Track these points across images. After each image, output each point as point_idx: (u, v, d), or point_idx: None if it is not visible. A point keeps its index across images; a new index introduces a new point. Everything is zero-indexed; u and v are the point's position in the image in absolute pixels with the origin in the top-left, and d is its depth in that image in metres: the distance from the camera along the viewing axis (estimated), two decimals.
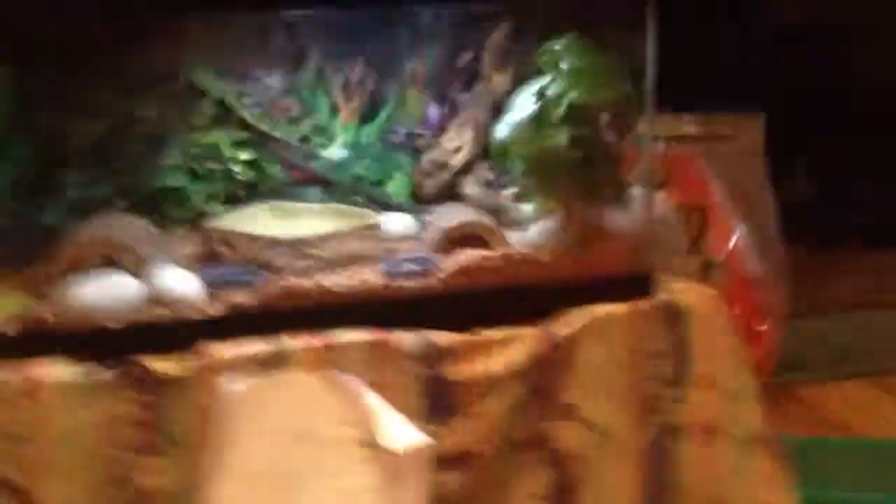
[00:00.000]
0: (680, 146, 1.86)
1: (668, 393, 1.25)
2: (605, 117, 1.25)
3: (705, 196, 1.92)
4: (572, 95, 1.22)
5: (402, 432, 1.16)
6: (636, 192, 1.29)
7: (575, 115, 1.23)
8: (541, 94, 1.24)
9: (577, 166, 1.24)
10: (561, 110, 1.22)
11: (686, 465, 1.27)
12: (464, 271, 1.24)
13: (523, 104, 1.26)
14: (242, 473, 1.14)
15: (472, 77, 1.59)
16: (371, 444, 1.17)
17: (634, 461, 1.25)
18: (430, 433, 1.18)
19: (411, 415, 1.18)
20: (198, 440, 1.13)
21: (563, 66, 1.24)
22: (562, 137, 1.23)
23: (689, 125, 1.53)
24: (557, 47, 1.27)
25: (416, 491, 1.17)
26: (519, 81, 1.45)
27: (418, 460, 1.16)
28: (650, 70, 1.21)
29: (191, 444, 1.13)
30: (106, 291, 1.17)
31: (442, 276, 1.24)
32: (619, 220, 1.29)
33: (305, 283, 1.22)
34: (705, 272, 1.87)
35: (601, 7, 1.28)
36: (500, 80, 1.55)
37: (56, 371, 1.10)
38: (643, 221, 1.28)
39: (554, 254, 1.26)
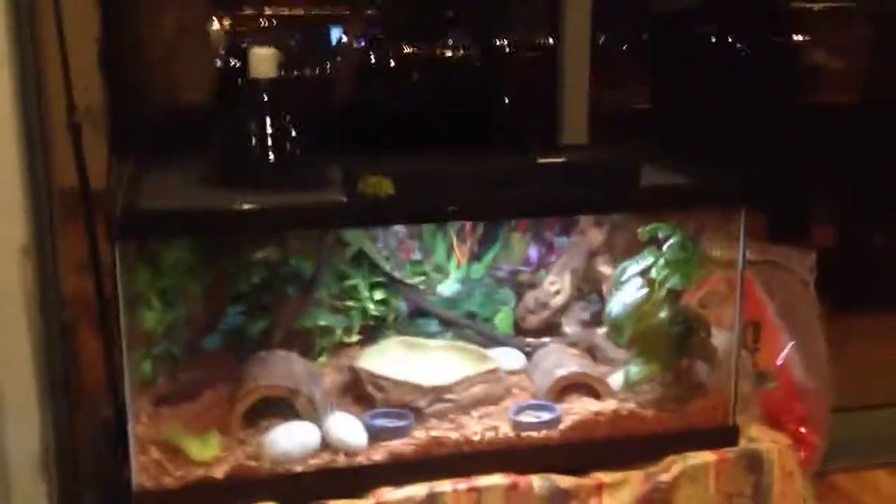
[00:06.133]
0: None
1: None
2: (697, 297, 1.52)
3: (759, 312, 2.16)
4: (672, 282, 1.48)
5: None
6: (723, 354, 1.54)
7: (673, 296, 1.50)
8: (646, 280, 1.50)
9: (674, 337, 1.50)
10: (662, 293, 1.48)
11: None
12: (581, 424, 1.50)
13: (631, 285, 1.52)
14: None
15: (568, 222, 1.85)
16: None
17: None
18: None
19: None
20: None
21: (665, 255, 1.49)
22: (663, 315, 1.49)
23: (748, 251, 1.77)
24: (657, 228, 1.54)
25: None
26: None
27: None
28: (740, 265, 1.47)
29: None
30: (292, 439, 1.43)
31: (563, 427, 1.49)
32: (709, 379, 1.55)
33: (451, 434, 1.47)
34: (758, 382, 2.12)
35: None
36: (595, 234, 1.82)
37: None
38: (728, 380, 1.53)
39: (655, 408, 1.52)
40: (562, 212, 1.68)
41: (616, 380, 1.59)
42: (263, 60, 1.52)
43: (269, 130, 1.53)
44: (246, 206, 1.38)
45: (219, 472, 1.39)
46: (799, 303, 2.15)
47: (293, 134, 1.52)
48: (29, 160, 1.89)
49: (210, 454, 1.42)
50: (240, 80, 1.67)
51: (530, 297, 1.82)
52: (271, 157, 1.52)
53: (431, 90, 2.45)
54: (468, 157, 1.57)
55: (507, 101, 2.52)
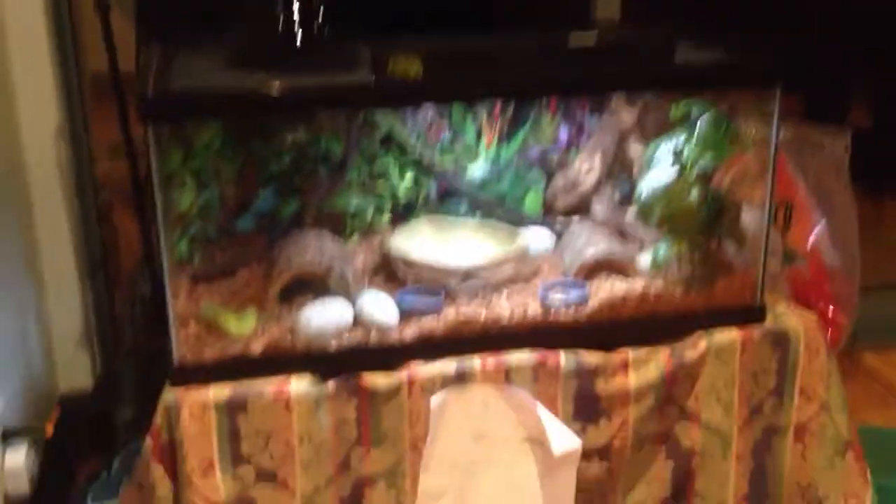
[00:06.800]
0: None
1: (772, 401, 1.53)
2: (729, 176, 1.51)
3: (791, 192, 2.15)
4: (703, 162, 1.47)
5: (559, 435, 1.47)
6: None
7: (704, 175, 1.49)
8: (677, 160, 1.49)
9: (704, 217, 1.50)
10: (693, 173, 1.48)
11: (783, 458, 1.55)
12: (609, 302, 1.52)
13: (662, 164, 1.51)
14: (440, 464, 1.45)
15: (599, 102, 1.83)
16: (534, 443, 1.48)
17: (741, 455, 1.55)
18: (579, 431, 1.48)
19: (566, 419, 1.48)
20: (401, 437, 1.44)
21: (697, 132, 1.48)
22: (694, 195, 1.49)
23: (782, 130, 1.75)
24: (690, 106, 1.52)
25: (567, 481, 1.48)
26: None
27: (570, 459, 1.47)
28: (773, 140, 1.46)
29: (396, 440, 1.44)
30: (327, 315, 1.47)
31: (591, 305, 1.52)
32: (738, 258, 1.56)
33: (480, 312, 1.50)
34: (787, 261, 2.12)
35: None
36: (627, 114, 1.80)
37: (298, 385, 1.40)
38: (757, 259, 1.54)
39: (683, 287, 1.53)
40: (595, 89, 1.66)
41: (645, 259, 1.60)
42: None
43: (298, 9, 1.51)
44: (275, 87, 1.38)
45: (256, 347, 1.43)
46: (831, 182, 2.13)
47: (322, 13, 1.50)
48: (58, 42, 1.90)
49: (247, 329, 1.46)
50: None
51: (560, 178, 1.82)
52: (300, 37, 1.51)
53: None
54: (498, 36, 1.55)
55: None
